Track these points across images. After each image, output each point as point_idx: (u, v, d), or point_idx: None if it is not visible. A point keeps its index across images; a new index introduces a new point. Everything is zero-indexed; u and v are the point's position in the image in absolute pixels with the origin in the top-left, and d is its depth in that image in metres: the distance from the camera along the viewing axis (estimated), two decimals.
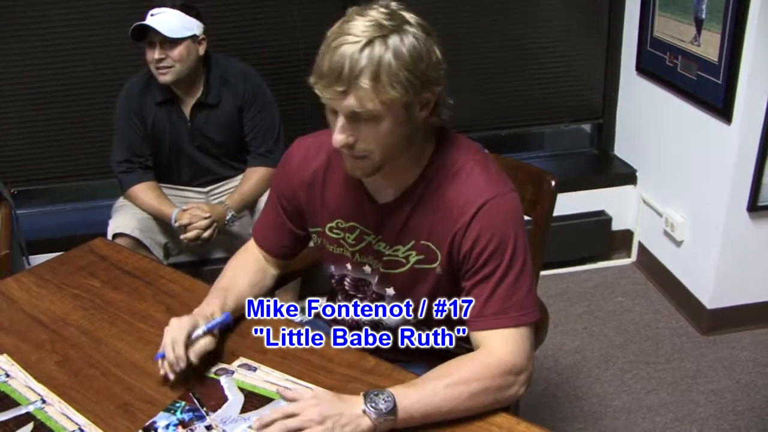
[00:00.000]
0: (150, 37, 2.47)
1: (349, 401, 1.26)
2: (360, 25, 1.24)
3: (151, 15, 2.46)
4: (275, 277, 1.70)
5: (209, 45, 2.60)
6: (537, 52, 3.28)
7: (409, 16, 1.28)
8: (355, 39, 1.22)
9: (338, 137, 1.30)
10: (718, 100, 2.64)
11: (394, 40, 1.23)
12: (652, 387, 2.64)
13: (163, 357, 1.39)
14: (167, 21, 2.45)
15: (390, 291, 1.52)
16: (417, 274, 1.46)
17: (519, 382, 1.35)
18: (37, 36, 2.87)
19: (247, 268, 1.65)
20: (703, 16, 2.66)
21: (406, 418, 1.25)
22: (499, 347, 1.34)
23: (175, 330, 1.39)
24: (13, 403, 1.36)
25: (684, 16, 2.78)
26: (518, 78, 3.31)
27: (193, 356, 1.39)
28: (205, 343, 1.42)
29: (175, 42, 2.47)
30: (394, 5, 1.30)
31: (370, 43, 1.22)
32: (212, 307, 1.49)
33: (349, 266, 1.55)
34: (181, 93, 2.61)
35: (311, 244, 1.65)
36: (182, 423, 1.30)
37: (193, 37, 2.52)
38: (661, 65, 2.99)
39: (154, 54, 2.48)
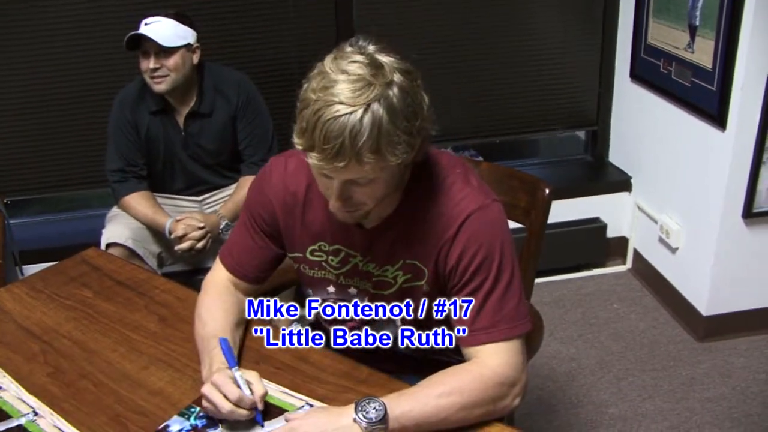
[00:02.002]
0: (144, 46, 2.45)
1: (338, 412, 1.25)
2: (347, 89, 1.17)
3: (145, 24, 2.44)
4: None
5: (202, 54, 2.60)
6: (531, 59, 3.28)
7: (389, 61, 1.22)
8: (348, 109, 1.16)
9: (336, 204, 1.29)
10: (712, 106, 2.65)
11: (386, 99, 1.18)
12: (648, 394, 2.63)
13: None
14: (162, 30, 2.44)
15: None
16: (405, 293, 1.46)
17: (512, 394, 1.34)
18: (30, 45, 2.86)
19: (224, 307, 1.53)
20: (697, 23, 2.67)
21: (397, 427, 1.24)
22: (492, 359, 1.34)
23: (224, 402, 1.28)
24: (5, 416, 1.35)
25: (678, 22, 2.78)
26: (512, 85, 3.31)
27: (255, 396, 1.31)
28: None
29: (169, 51, 2.46)
30: (371, 48, 1.24)
31: (365, 111, 1.17)
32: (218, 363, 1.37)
33: (331, 288, 1.53)
34: (175, 102, 2.60)
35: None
36: (195, 429, 1.31)
37: (188, 46, 2.51)
38: (655, 72, 2.99)
39: (149, 63, 2.46)
